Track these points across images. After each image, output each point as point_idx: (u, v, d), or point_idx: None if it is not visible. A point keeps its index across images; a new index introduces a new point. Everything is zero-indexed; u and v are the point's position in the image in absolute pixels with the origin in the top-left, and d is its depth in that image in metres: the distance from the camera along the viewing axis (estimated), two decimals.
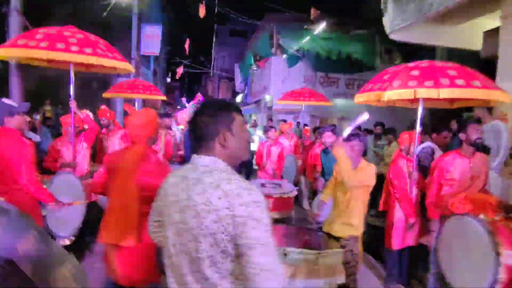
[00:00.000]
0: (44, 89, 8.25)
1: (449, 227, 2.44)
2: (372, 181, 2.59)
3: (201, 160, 1.15)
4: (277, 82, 12.69)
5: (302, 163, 5.84)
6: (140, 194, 1.93)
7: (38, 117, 5.66)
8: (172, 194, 1.15)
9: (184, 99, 10.47)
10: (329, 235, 2.62)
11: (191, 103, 11.91)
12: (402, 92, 2.79)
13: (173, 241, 1.14)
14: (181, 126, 8.81)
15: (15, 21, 3.82)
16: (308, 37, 11.69)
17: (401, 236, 3.38)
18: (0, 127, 2.70)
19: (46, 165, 3.93)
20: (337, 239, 2.57)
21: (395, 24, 4.93)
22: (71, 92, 3.60)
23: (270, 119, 12.30)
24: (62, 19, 3.95)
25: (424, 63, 3.03)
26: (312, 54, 12.06)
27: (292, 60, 12.34)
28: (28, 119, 2.86)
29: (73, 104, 3.59)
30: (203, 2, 8.50)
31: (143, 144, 2.06)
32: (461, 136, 2.86)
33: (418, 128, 3.25)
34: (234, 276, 1.06)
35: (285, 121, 7.42)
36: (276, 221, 4.38)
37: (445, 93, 2.66)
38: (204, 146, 1.16)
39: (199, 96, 12.64)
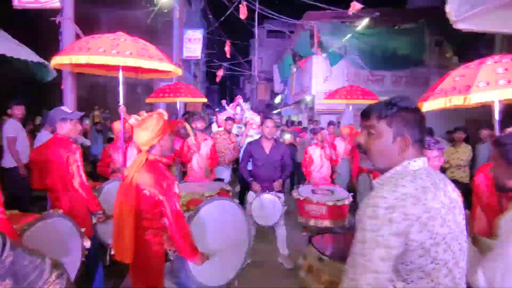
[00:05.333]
0: (93, 95, 8.65)
1: None
2: None
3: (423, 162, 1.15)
4: (319, 82, 12.28)
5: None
6: None
7: (87, 122, 5.84)
8: (438, 203, 1.07)
9: (224, 102, 10.48)
10: None
11: (231, 105, 11.92)
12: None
13: (453, 251, 1.08)
14: (221, 129, 8.76)
15: (68, 29, 3.92)
16: (350, 34, 11.16)
17: None
18: (53, 135, 2.72)
19: (99, 170, 3.98)
20: None
21: (462, 11, 4.33)
22: (121, 98, 3.59)
23: (311, 120, 11.90)
24: (110, 25, 4.01)
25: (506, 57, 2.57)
26: (355, 51, 11.52)
27: (334, 59, 11.87)
28: (80, 127, 2.84)
29: (122, 110, 3.58)
30: (243, 3, 8.35)
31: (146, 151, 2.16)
32: None
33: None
34: None
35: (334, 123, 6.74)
36: (328, 231, 4.07)
37: None
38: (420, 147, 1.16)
39: (238, 98, 12.63)
